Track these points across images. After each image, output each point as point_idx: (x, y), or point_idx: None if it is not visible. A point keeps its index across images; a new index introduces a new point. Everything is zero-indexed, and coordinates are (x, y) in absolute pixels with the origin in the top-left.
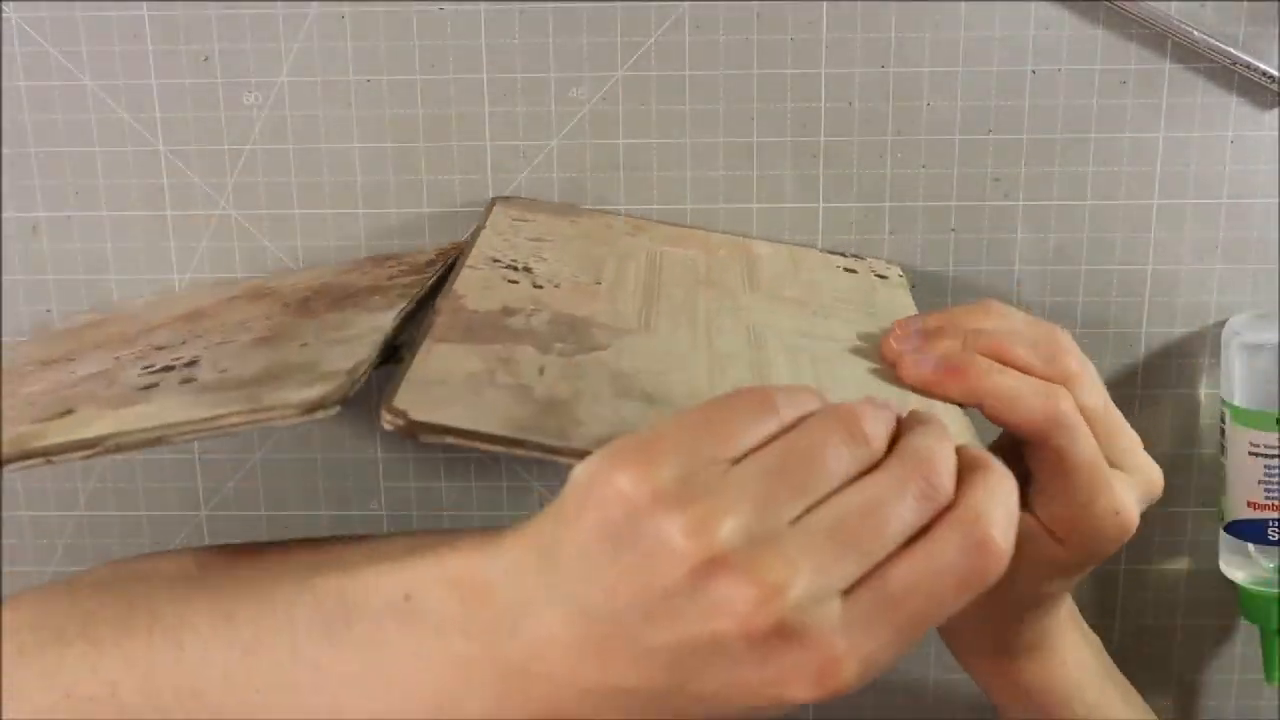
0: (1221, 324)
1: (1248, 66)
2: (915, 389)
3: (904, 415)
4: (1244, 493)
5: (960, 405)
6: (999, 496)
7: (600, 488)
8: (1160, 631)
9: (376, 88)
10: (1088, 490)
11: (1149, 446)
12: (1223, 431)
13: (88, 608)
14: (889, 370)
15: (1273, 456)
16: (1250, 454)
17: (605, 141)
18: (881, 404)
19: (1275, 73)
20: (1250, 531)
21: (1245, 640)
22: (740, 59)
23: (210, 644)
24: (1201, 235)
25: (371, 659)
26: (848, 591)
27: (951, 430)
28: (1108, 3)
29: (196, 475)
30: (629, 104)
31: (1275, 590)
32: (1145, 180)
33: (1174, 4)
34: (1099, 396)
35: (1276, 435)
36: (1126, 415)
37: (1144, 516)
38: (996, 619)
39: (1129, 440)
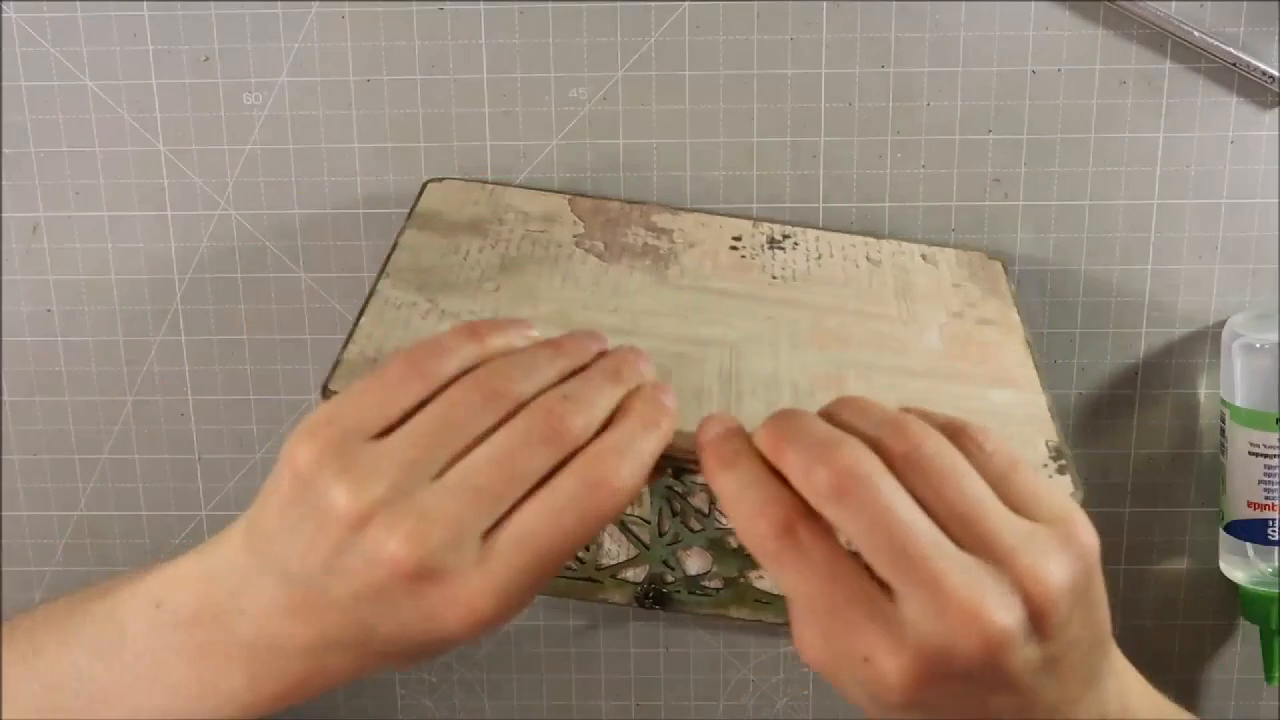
0: (1221, 324)
1: (1248, 66)
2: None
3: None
4: (1244, 493)
5: None
6: (624, 438)
7: (284, 462)
8: (1160, 631)
9: (376, 88)
10: (811, 631)
11: (1149, 446)
12: (1223, 431)
13: None
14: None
15: (1273, 456)
16: (1250, 454)
17: (605, 141)
18: (552, 348)
19: (1275, 73)
20: (1250, 531)
21: (1245, 640)
22: (740, 59)
23: (18, 682)
24: (1201, 235)
25: (138, 667)
26: (486, 535)
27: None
28: (1108, 3)
29: (196, 475)
30: (629, 104)
31: (1275, 590)
32: (1145, 180)
33: (1174, 4)
34: (861, 520)
35: (1276, 435)
36: (1126, 415)
37: (1145, 517)
38: None
39: (917, 568)
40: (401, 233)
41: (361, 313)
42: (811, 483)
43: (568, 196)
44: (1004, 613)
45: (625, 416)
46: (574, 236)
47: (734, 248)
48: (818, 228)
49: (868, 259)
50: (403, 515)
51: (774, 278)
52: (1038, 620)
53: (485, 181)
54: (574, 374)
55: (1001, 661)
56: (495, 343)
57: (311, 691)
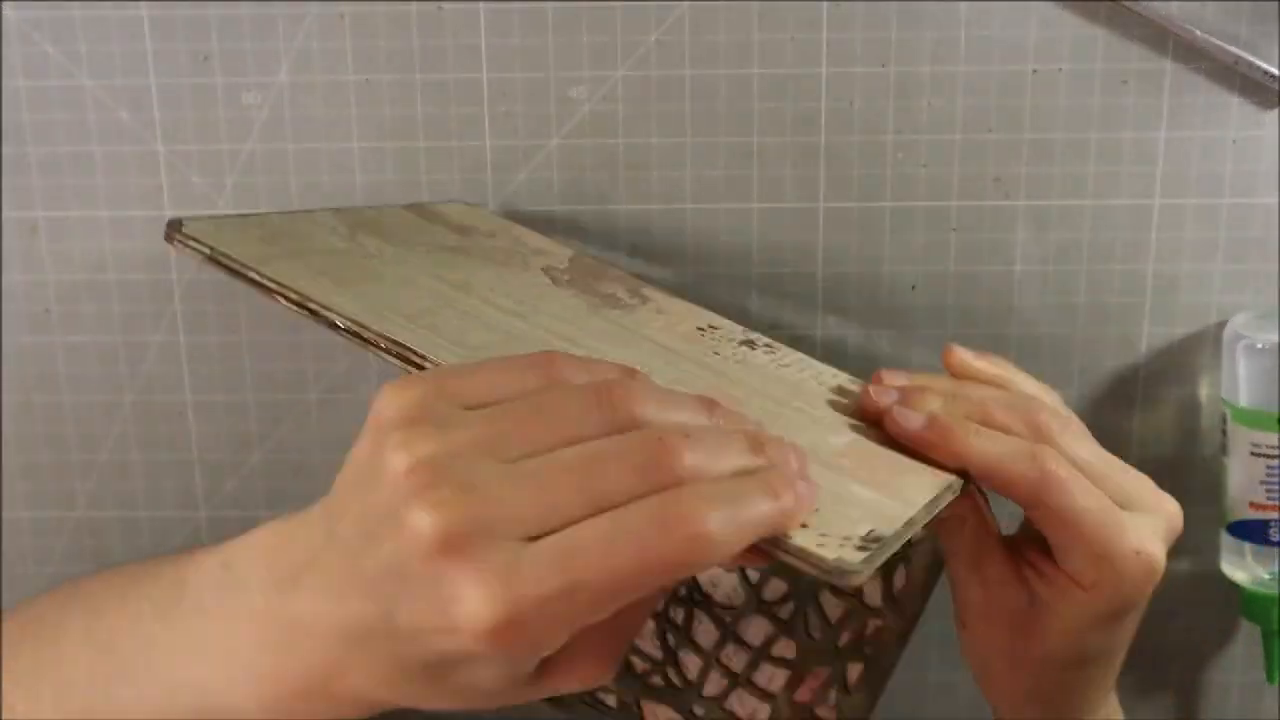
0: (1223, 324)
1: (1250, 66)
2: (903, 443)
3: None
4: (1245, 493)
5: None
6: (731, 490)
7: (371, 413)
8: (1161, 632)
9: (376, 88)
10: (1100, 538)
11: (1150, 446)
12: (1224, 432)
13: (8, 628)
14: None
15: (1274, 457)
16: (1252, 454)
17: (605, 141)
18: (697, 402)
19: (1277, 72)
20: (1251, 532)
21: (1246, 641)
22: (740, 59)
23: (79, 644)
24: (1203, 235)
25: (195, 627)
26: (535, 539)
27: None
28: (1109, 2)
29: (196, 475)
30: (629, 104)
31: (1276, 591)
32: (1146, 180)
33: (1175, 3)
34: (1087, 448)
35: (1277, 435)
36: (1127, 415)
37: None
38: (1040, 673)
39: (1135, 482)
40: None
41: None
42: (1039, 426)
43: (574, 253)
44: (1178, 511)
45: (748, 475)
46: (544, 266)
47: (701, 329)
48: (810, 355)
49: (837, 387)
50: (445, 481)
51: (716, 354)
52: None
53: (514, 221)
54: None
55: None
56: (644, 383)
57: (331, 703)
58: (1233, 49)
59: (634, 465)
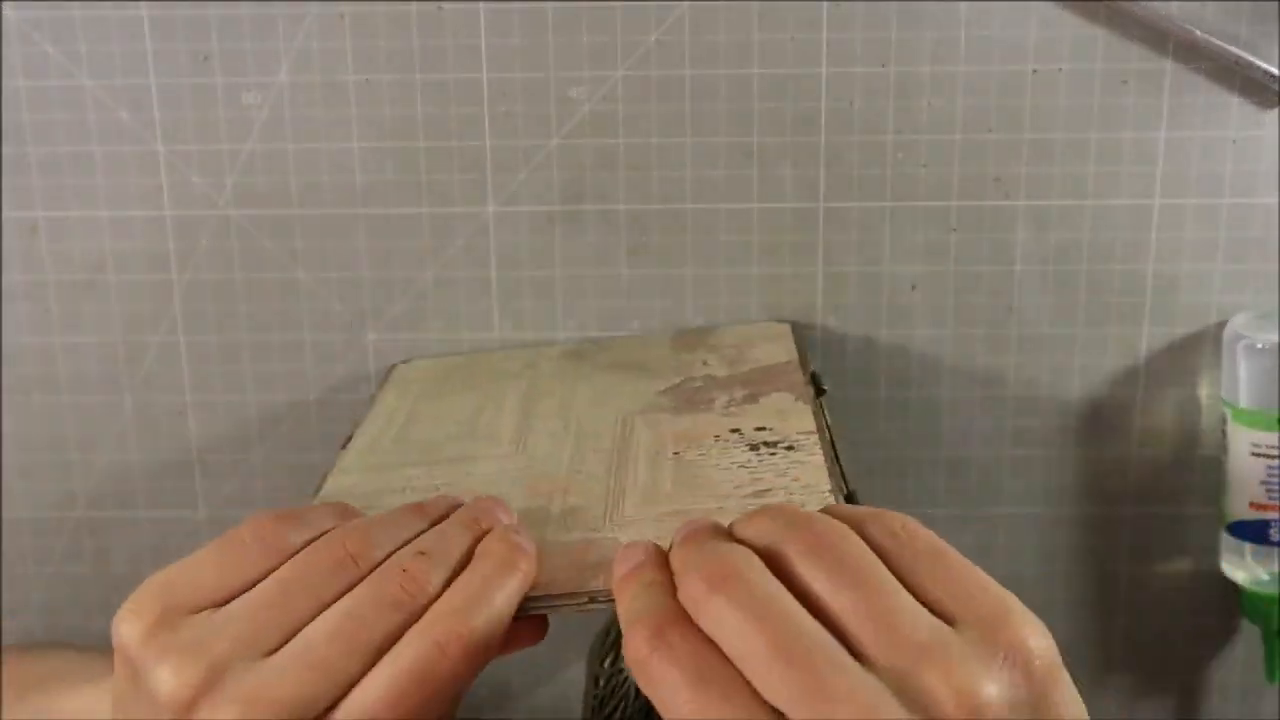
0: (1223, 324)
1: (1249, 66)
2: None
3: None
4: (1245, 493)
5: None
6: (475, 586)
7: (115, 642)
8: (1161, 632)
9: (376, 88)
10: None
11: (1150, 446)
12: (1224, 432)
13: None
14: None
15: (1274, 457)
16: (1252, 454)
17: (605, 141)
18: (413, 513)
19: (1277, 72)
20: (1252, 532)
21: (1246, 641)
22: (740, 59)
23: None
24: (1203, 235)
25: None
26: (325, 715)
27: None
28: (1109, 2)
29: (196, 475)
30: (629, 104)
31: (1276, 591)
32: (1146, 180)
33: (1175, 3)
34: (732, 613)
35: (1278, 435)
36: (1127, 415)
37: (1145, 517)
38: None
39: (797, 678)
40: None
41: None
42: (688, 584)
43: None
44: None
45: (478, 561)
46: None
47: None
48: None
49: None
50: (228, 700)
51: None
52: None
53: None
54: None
55: None
56: (360, 520)
57: None
58: (1233, 49)
59: (387, 607)
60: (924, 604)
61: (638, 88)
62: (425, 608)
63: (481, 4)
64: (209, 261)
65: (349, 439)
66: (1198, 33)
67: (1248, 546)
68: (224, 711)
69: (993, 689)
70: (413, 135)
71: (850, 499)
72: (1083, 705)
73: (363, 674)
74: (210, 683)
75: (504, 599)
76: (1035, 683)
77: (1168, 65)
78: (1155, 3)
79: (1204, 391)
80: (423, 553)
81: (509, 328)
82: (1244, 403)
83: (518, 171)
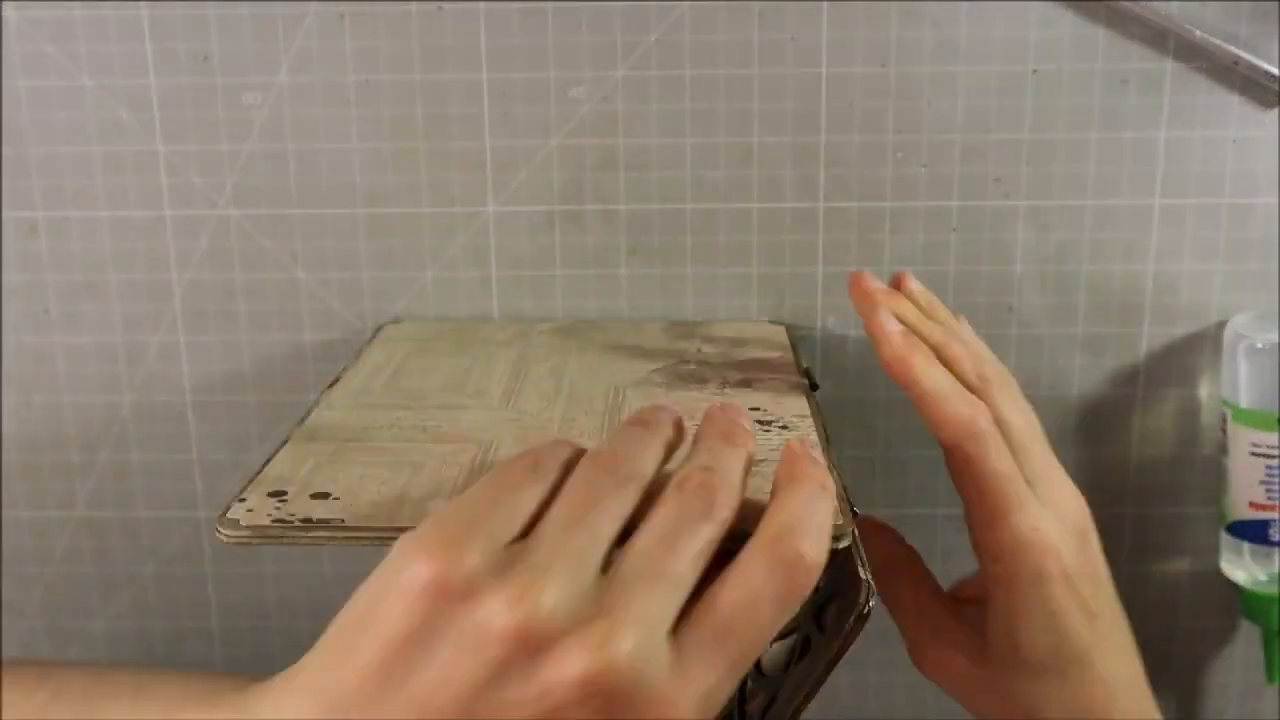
0: (1222, 324)
1: (1249, 66)
2: (878, 341)
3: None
4: (1245, 493)
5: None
6: (802, 508)
7: (393, 590)
8: (1161, 632)
9: (376, 88)
10: (1000, 505)
11: (1150, 446)
12: (1224, 431)
13: None
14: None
15: (1273, 457)
16: (1251, 454)
17: (605, 141)
18: (641, 426)
19: (1277, 72)
20: (1251, 532)
21: (1246, 641)
22: (740, 59)
23: None
24: (1202, 235)
25: None
26: (674, 630)
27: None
28: (1109, 2)
29: (196, 475)
30: (629, 104)
31: (1276, 591)
32: (1146, 180)
33: (1175, 3)
34: (1018, 414)
35: (1277, 435)
36: (1127, 415)
37: (1145, 517)
38: (1010, 694)
39: (1045, 465)
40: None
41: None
42: (986, 378)
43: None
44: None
45: (791, 484)
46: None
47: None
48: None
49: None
50: (588, 622)
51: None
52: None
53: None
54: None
55: (1092, 534)
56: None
57: None
58: (1232, 49)
59: (701, 519)
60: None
61: (638, 88)
62: (727, 525)
63: (481, 4)
64: (209, 261)
65: (334, 381)
66: (1198, 33)
67: (1247, 546)
68: (587, 637)
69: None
70: (413, 135)
71: (845, 492)
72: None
73: (706, 591)
74: (558, 609)
75: (828, 520)
76: None
77: (1168, 65)
78: (1155, 3)
79: (1204, 391)
80: (707, 468)
81: None
82: (1244, 402)
83: (518, 171)
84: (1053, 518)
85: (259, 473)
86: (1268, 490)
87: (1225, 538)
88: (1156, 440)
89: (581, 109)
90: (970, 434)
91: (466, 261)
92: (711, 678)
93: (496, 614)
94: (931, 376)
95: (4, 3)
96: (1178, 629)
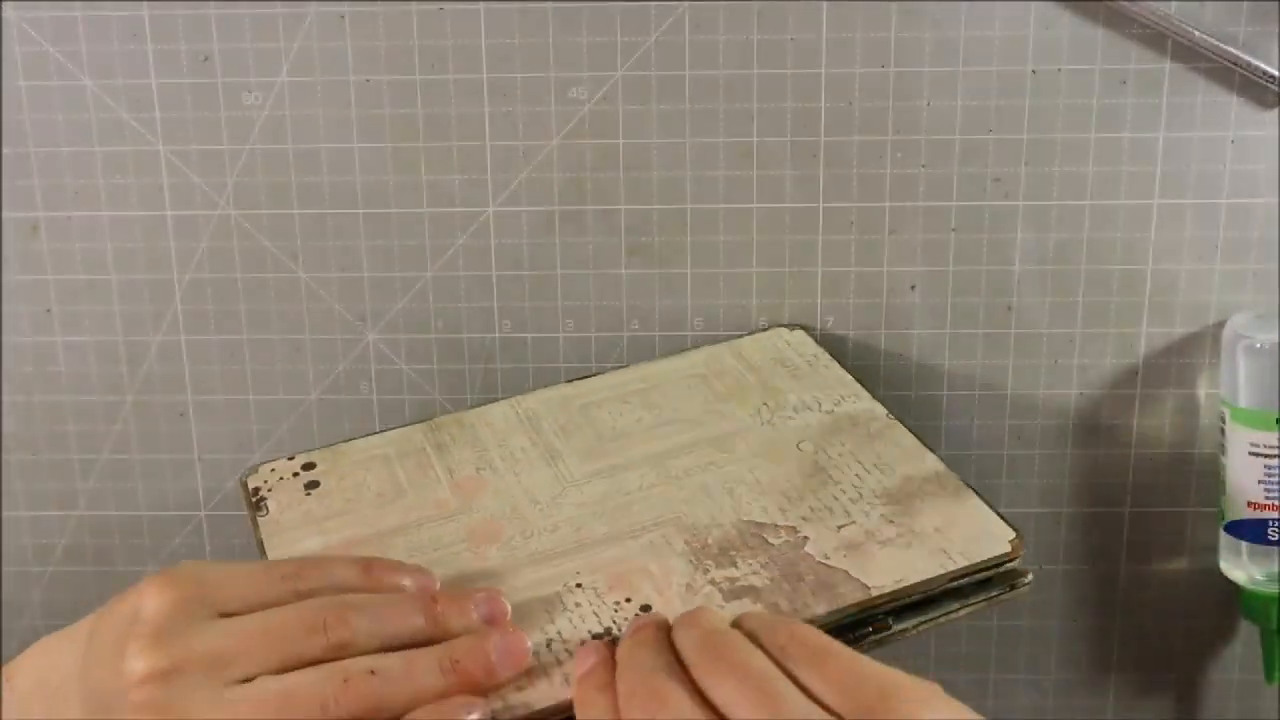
0: (1222, 324)
1: (1248, 66)
2: None
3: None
4: (1244, 493)
5: None
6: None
7: (137, 594)
8: (1160, 631)
9: (376, 88)
10: None
11: (1149, 446)
12: (1223, 431)
13: None
14: None
15: (1273, 456)
16: (1250, 454)
17: (605, 141)
18: (397, 606)
19: (1276, 72)
20: (1250, 531)
21: (1245, 640)
22: (740, 59)
23: None
24: (1202, 235)
25: None
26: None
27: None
28: (1108, 2)
29: (196, 475)
30: (629, 104)
31: (1275, 590)
32: (1145, 180)
33: (1174, 3)
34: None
35: (1276, 435)
36: (1126, 415)
37: (1144, 517)
38: None
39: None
40: None
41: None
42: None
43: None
44: None
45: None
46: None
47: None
48: None
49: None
50: (165, 707)
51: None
52: None
53: None
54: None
55: None
56: (387, 581)
57: None
58: (1232, 49)
59: (310, 631)
60: (814, 700)
61: (638, 88)
62: (337, 647)
63: (481, 4)
64: (209, 261)
65: None
66: (1196, 33)
67: (1246, 546)
68: (153, 711)
69: None
70: (413, 135)
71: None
72: None
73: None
74: (162, 690)
75: (426, 692)
76: None
77: (1167, 65)
78: (1155, 3)
79: (1202, 391)
80: (374, 672)
81: (509, 328)
82: (1243, 402)
83: (518, 171)
84: None
85: None
86: (1266, 490)
87: (1224, 537)
88: (1155, 440)
89: (581, 109)
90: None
91: (466, 261)
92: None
93: (138, 663)
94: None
95: (4, 3)
96: (1177, 629)
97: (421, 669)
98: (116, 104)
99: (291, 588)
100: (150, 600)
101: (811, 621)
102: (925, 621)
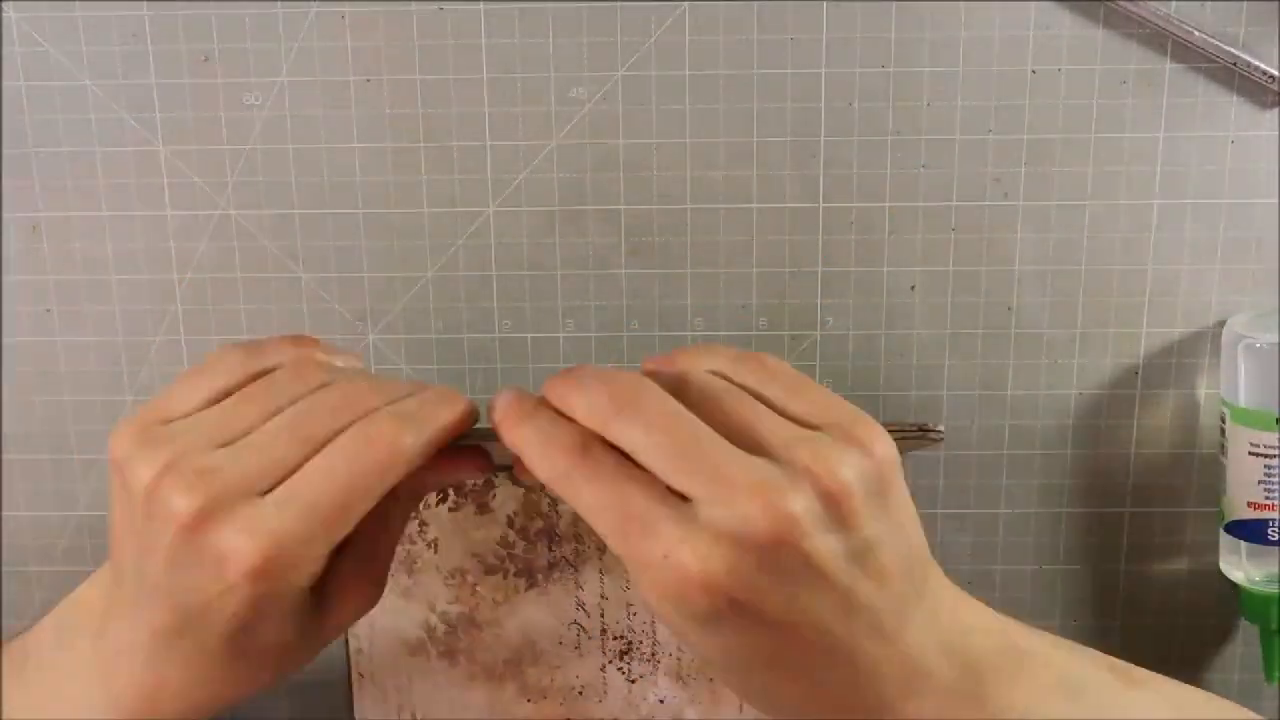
0: (1221, 324)
1: (1248, 66)
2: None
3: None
4: (1244, 493)
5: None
6: (413, 405)
7: (110, 450)
8: (1160, 631)
9: (376, 88)
10: (616, 542)
11: (1149, 446)
12: (1223, 431)
13: None
14: None
15: (1273, 456)
16: (1250, 454)
17: (605, 141)
18: (338, 352)
19: (1276, 73)
20: (1250, 532)
21: (1245, 640)
22: (740, 59)
23: None
24: (1201, 235)
25: (44, 680)
26: (268, 491)
27: None
28: (1108, 2)
29: None
30: (629, 104)
31: (1275, 590)
32: (1145, 180)
33: (1174, 4)
34: (640, 427)
35: (1276, 435)
36: (1126, 415)
37: (1144, 517)
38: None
39: (700, 466)
40: None
41: None
42: (594, 408)
43: None
44: (791, 494)
45: (421, 391)
46: None
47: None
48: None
49: None
50: (184, 473)
51: None
52: (830, 506)
53: None
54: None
55: (798, 544)
56: (319, 354)
57: (172, 708)
58: (1231, 49)
59: (330, 410)
60: (794, 420)
61: (638, 88)
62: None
63: (481, 4)
64: (209, 261)
65: None
66: (1196, 33)
67: (1245, 546)
68: (180, 482)
69: (849, 470)
70: (413, 135)
71: None
72: (912, 506)
73: (301, 463)
74: (175, 469)
75: (438, 422)
76: (880, 471)
77: (1166, 66)
78: (1155, 3)
79: (1203, 391)
80: (372, 387)
81: (509, 328)
82: (1243, 402)
83: (518, 171)
84: (719, 529)
85: None
86: (1266, 490)
87: (1224, 537)
88: (1155, 440)
89: (581, 109)
90: (555, 485)
91: (466, 261)
92: (285, 527)
93: (139, 474)
94: (519, 434)
95: (4, 2)
96: (1177, 629)
97: (400, 384)
98: (116, 104)
99: (239, 374)
100: (116, 448)
101: None
102: None
